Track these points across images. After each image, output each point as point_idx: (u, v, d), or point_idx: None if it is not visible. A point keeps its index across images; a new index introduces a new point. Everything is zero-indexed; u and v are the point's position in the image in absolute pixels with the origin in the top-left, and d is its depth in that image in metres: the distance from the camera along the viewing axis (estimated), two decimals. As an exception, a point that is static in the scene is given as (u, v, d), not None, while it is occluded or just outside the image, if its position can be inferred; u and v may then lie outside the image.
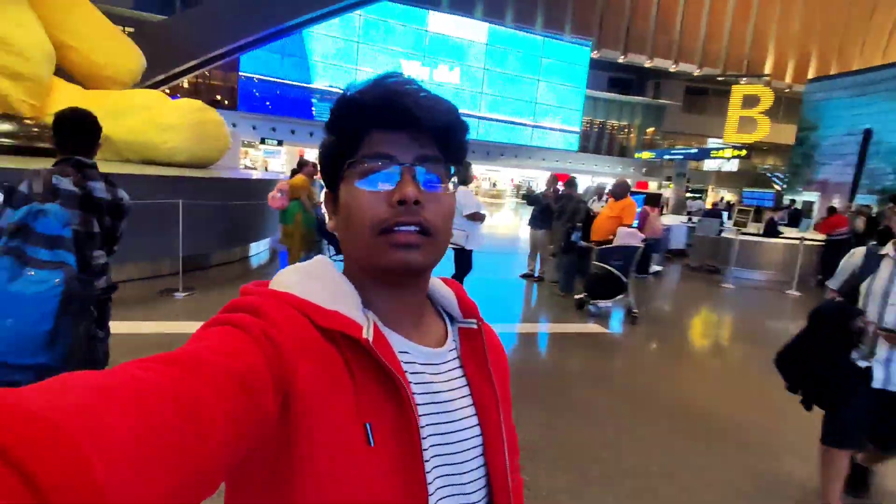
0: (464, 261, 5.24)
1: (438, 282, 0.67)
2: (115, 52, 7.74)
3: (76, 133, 2.09)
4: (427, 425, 0.54)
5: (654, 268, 9.28)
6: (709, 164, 26.43)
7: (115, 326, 2.42)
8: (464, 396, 0.60)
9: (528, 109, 30.75)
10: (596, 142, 34.52)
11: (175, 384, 0.36)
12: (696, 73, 31.78)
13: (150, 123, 6.82)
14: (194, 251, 5.91)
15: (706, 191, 32.61)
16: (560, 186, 7.69)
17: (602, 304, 6.18)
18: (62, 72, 7.17)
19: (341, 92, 0.56)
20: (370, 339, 0.50)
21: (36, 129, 6.41)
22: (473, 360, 0.63)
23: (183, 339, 0.43)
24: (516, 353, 4.63)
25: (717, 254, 10.27)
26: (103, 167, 2.25)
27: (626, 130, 35.41)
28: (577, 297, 6.25)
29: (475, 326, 0.65)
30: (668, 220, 12.72)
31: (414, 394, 0.53)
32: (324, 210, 0.48)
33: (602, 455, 2.91)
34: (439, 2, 27.58)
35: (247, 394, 0.40)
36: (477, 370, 0.62)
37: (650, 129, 35.14)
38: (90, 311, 1.76)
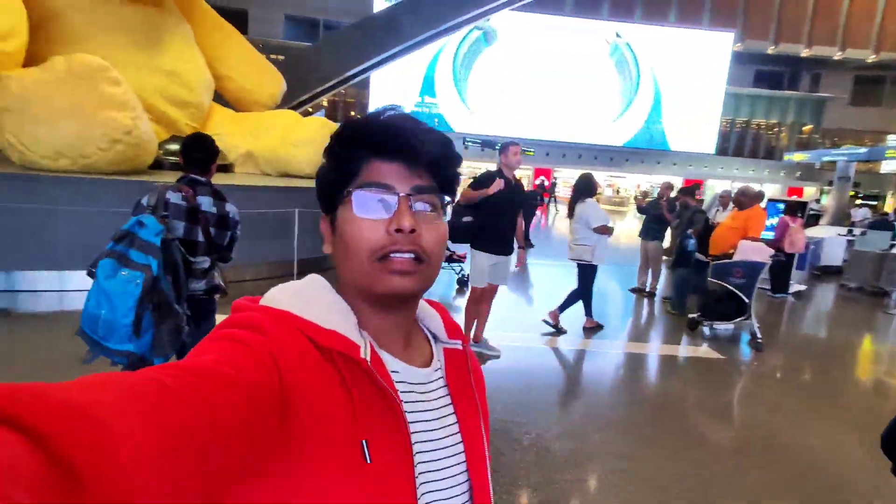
0: (587, 277, 5.06)
1: (424, 303, 0.69)
2: (260, 80, 8.87)
3: (193, 154, 2.49)
4: (416, 443, 0.56)
5: (796, 287, 8.09)
6: (888, 166, 22.19)
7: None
8: (448, 415, 0.62)
9: (655, 110, 28.64)
10: (737, 143, 30.99)
11: (196, 393, 0.37)
12: (871, 59, 27.05)
13: (284, 141, 7.71)
14: (311, 254, 6.55)
15: (884, 197, 27.52)
16: (674, 194, 7.09)
17: (719, 325, 5.57)
18: (219, 98, 8.44)
19: (347, 119, 0.61)
20: (368, 359, 0.52)
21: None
22: (457, 380, 0.65)
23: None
24: (619, 375, 4.38)
25: (882, 273, 8.64)
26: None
27: (774, 130, 31.30)
28: (690, 316, 5.71)
29: (460, 348, 0.67)
30: (819, 231, 11.00)
31: (405, 412, 0.55)
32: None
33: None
34: (563, 6, 27.06)
35: (256, 409, 0.42)
36: (461, 390, 0.64)
37: (806, 128, 30.66)
38: (174, 309, 2.07)
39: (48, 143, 4.71)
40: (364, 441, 0.50)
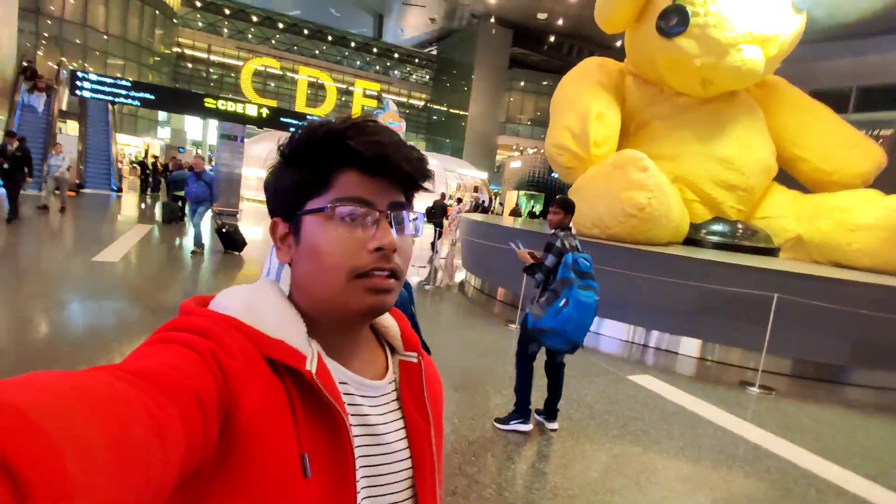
0: None
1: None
2: (846, 157, 7.65)
3: (566, 212, 3.14)
4: (361, 456, 0.55)
5: None
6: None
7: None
8: (398, 429, 0.60)
9: None
10: None
11: (145, 397, 0.36)
12: None
13: (841, 225, 6.46)
14: (795, 353, 5.16)
15: None
16: None
17: None
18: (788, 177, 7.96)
19: (311, 124, 0.57)
20: (313, 370, 0.51)
21: (740, 230, 7.57)
22: (411, 393, 0.63)
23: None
24: None
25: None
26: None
27: None
28: None
29: (415, 360, 0.65)
30: None
31: (351, 425, 0.53)
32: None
33: None
34: None
35: (202, 415, 0.41)
36: (413, 403, 0.63)
37: None
38: None
39: (587, 217, 6.32)
40: (304, 455, 0.49)
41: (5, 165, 9.01)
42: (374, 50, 40.30)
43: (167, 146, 29.59)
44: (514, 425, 3.26)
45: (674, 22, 7.10)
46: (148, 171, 20.29)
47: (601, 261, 5.66)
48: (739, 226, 7.63)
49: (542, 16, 30.31)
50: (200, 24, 35.19)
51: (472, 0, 30.79)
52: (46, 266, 6.36)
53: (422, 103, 41.68)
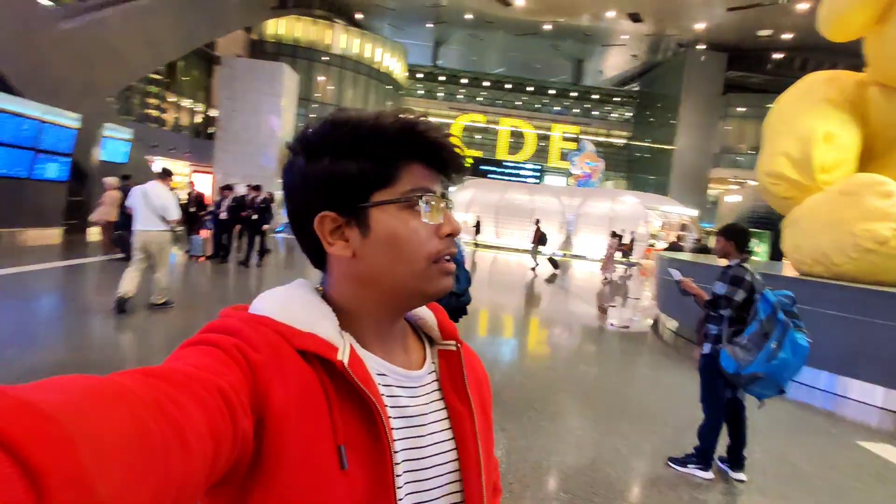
0: None
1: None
2: None
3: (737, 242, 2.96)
4: (402, 450, 0.55)
5: None
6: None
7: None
8: (441, 420, 0.60)
9: None
10: None
11: (161, 396, 0.36)
12: None
13: None
14: None
15: None
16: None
17: None
18: None
19: (366, 118, 0.57)
20: (345, 361, 0.51)
21: None
22: (451, 381, 0.63)
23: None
24: None
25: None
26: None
27: None
28: None
29: (454, 348, 0.66)
30: None
31: (390, 417, 0.54)
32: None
33: None
34: None
35: (230, 411, 0.41)
36: (455, 392, 0.63)
37: None
38: None
39: (806, 253, 5.45)
40: (341, 446, 0.49)
41: (254, 217, 9.88)
42: (573, 94, 40.97)
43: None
44: (693, 469, 3.06)
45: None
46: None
47: (820, 303, 4.84)
48: None
49: (764, 33, 26.94)
50: (420, 91, 40.98)
51: (680, 30, 29.17)
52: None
53: (623, 141, 40.42)
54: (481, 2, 27.53)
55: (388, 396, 0.55)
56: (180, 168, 22.02)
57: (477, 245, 14.78)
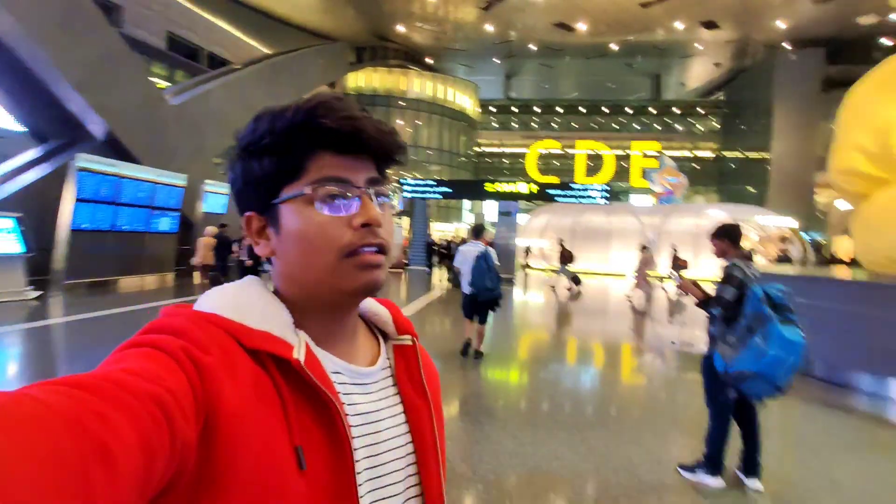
0: None
1: (371, 300, 0.66)
2: None
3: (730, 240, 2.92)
4: (361, 447, 0.54)
5: None
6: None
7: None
8: (396, 415, 0.59)
9: None
10: None
11: (83, 410, 0.33)
12: None
13: None
14: None
15: None
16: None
17: None
18: None
19: (272, 110, 0.56)
20: (301, 359, 0.49)
21: None
22: (408, 376, 0.63)
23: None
24: None
25: None
26: None
27: None
28: None
29: (410, 343, 0.65)
30: None
31: (347, 415, 0.52)
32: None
33: None
34: None
35: (167, 420, 0.38)
36: (412, 386, 0.62)
37: None
38: None
39: (879, 251, 4.95)
40: (298, 447, 0.47)
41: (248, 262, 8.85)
42: (652, 110, 39.55)
43: (471, 229, 35.54)
44: (701, 477, 2.96)
45: None
46: (435, 249, 23.17)
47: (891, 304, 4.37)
48: None
49: (865, 20, 24.44)
50: (494, 124, 41.90)
51: (764, 31, 27.35)
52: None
53: (710, 154, 38.00)
54: (545, 31, 27.96)
55: (344, 394, 0.54)
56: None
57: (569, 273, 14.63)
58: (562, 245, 14.84)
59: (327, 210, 0.54)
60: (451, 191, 20.72)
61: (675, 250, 15.31)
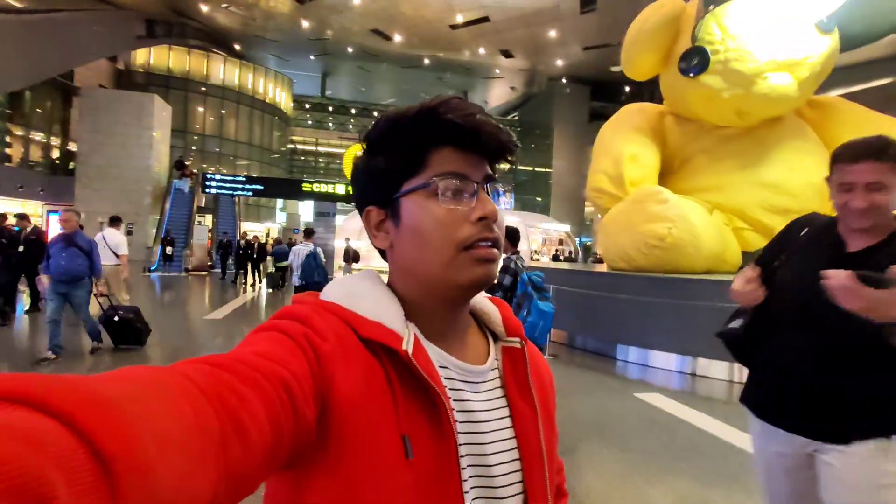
0: None
1: (483, 298, 0.68)
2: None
3: (510, 241, 3.64)
4: (465, 444, 0.54)
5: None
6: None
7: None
8: (503, 417, 0.59)
9: None
10: None
11: (223, 387, 0.37)
12: None
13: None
14: None
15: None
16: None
17: None
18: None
19: (395, 112, 0.59)
20: (410, 351, 0.51)
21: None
22: (515, 379, 0.62)
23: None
24: None
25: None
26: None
27: None
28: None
29: (518, 346, 0.64)
30: None
31: (453, 409, 0.53)
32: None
33: None
34: None
35: (291, 401, 0.42)
36: (518, 390, 0.61)
37: None
38: None
39: (613, 252, 6.54)
40: (405, 436, 0.49)
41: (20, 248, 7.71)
42: (460, 123, 43.32)
43: (284, 229, 33.87)
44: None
45: (695, 62, 7.35)
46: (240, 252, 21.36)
47: (621, 290, 5.89)
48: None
49: (615, 69, 30.75)
50: (310, 121, 40.79)
51: (547, 65, 32.34)
52: (169, 322, 7.99)
53: (507, 166, 43.23)
54: (364, 36, 28.44)
55: (450, 389, 0.55)
56: (32, 208, 19.84)
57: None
58: (347, 243, 14.70)
59: (447, 203, 0.55)
60: (262, 188, 19.75)
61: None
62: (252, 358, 0.42)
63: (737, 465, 3.26)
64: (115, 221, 7.49)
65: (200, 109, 29.75)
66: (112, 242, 7.03)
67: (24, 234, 8.08)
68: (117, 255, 6.94)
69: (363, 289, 0.57)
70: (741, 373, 5.50)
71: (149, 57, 28.27)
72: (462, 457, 0.52)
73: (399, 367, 0.51)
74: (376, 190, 0.59)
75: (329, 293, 0.56)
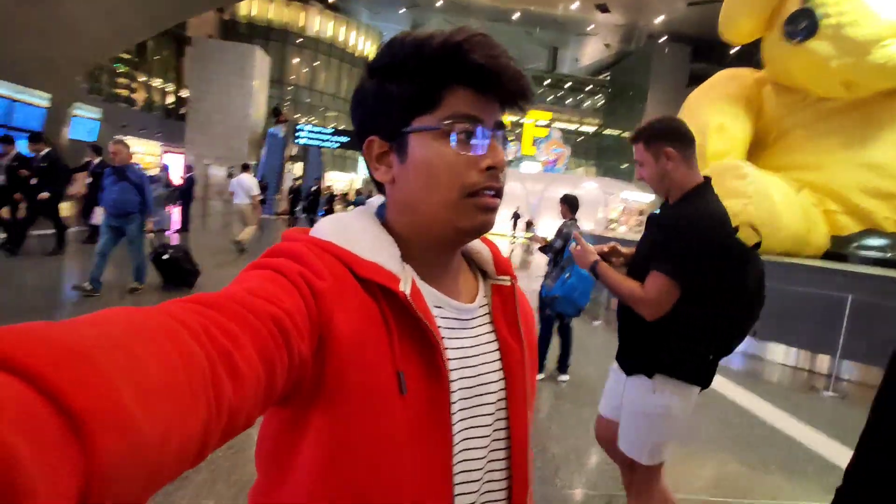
0: None
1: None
2: None
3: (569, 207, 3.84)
4: (456, 379, 0.56)
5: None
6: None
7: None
8: (491, 352, 0.61)
9: None
10: None
11: (209, 324, 0.37)
12: None
13: None
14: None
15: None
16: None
17: None
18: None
19: (416, 36, 0.55)
20: (407, 292, 0.52)
21: (898, 244, 6.63)
22: (504, 316, 0.64)
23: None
24: None
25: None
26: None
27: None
28: None
29: (508, 284, 0.66)
30: None
31: (446, 349, 0.55)
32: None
33: None
34: None
35: (283, 336, 0.42)
36: (507, 326, 0.63)
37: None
38: None
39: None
40: (400, 372, 0.50)
41: (33, 181, 6.47)
42: (547, 81, 41.77)
43: (365, 181, 35.26)
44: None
45: (802, 26, 6.76)
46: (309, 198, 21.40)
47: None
48: (904, 238, 6.67)
49: (724, 27, 28.09)
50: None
51: (646, 21, 30.09)
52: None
53: (593, 129, 41.44)
54: (452, -14, 27.99)
55: (444, 328, 0.57)
56: (151, 148, 22.27)
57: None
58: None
59: (458, 147, 0.54)
60: (347, 140, 20.53)
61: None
62: (243, 295, 0.42)
63: (761, 437, 3.39)
64: (245, 168, 9.06)
65: (296, 61, 31.13)
66: (245, 186, 8.72)
67: (36, 161, 6.58)
68: (250, 197, 8.64)
69: (359, 228, 0.56)
70: (799, 357, 5.40)
71: (251, 8, 29.84)
72: (453, 392, 0.54)
73: (395, 307, 0.52)
74: (385, 119, 0.57)
75: (322, 230, 0.55)
